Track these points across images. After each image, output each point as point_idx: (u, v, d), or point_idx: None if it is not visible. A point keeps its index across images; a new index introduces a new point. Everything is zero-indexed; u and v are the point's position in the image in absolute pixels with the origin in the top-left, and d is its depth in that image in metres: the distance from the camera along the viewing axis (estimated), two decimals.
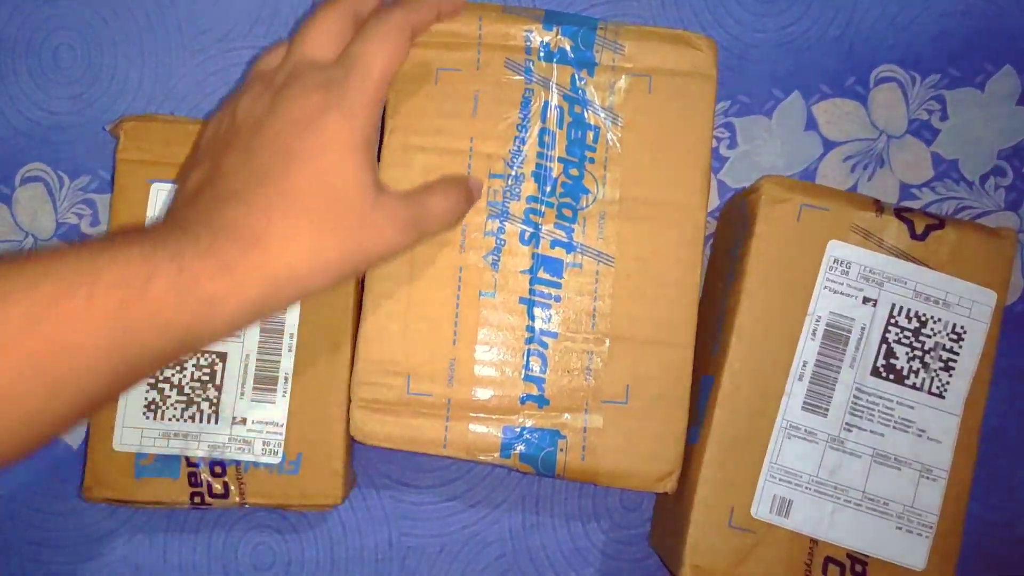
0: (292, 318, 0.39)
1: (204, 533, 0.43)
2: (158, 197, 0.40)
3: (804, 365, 0.37)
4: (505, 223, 0.38)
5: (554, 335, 0.38)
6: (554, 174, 0.38)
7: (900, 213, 0.37)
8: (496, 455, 0.37)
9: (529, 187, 0.38)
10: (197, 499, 0.39)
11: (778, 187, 0.37)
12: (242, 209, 0.29)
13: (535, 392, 0.37)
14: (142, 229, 0.28)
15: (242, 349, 0.39)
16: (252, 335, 0.39)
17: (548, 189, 0.38)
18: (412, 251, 0.37)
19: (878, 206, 0.37)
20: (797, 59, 0.44)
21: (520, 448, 0.37)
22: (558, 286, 0.38)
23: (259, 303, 0.28)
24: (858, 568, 0.36)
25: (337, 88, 0.30)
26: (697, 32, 0.44)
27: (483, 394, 0.37)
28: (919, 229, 0.37)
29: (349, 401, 0.38)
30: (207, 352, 0.39)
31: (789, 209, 0.37)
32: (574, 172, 0.38)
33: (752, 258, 0.37)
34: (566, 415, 0.37)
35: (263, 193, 0.29)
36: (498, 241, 0.38)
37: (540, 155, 0.38)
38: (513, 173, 0.38)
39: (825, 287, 0.37)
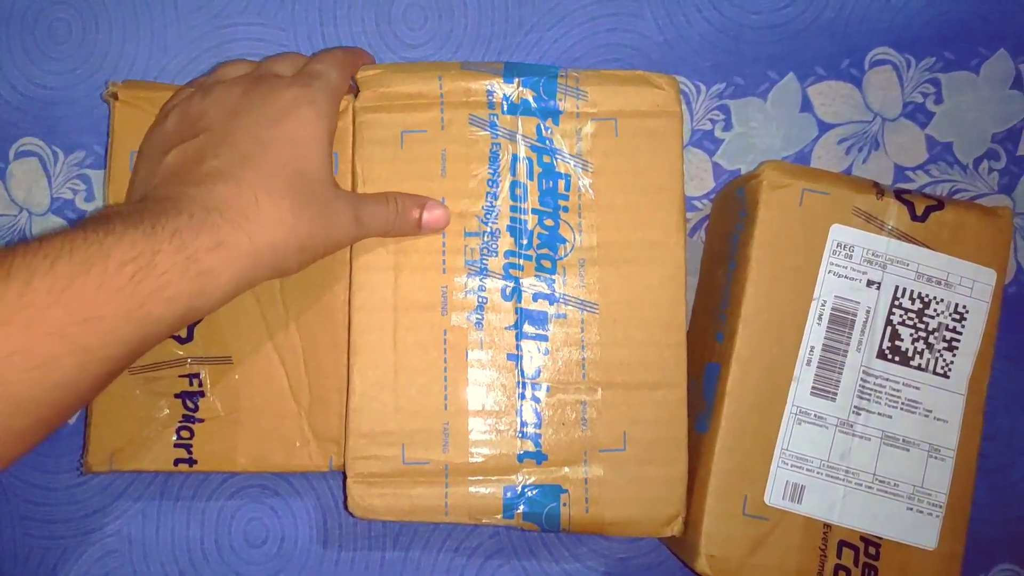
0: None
1: (197, 508, 0.42)
2: None
3: (811, 350, 0.37)
4: (485, 280, 0.37)
5: (546, 388, 0.37)
6: (529, 226, 0.38)
7: (900, 195, 0.37)
8: (499, 516, 0.36)
9: (506, 242, 0.38)
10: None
11: (779, 172, 0.37)
12: (231, 189, 0.31)
13: (532, 448, 0.37)
14: (135, 208, 0.30)
15: None
16: None
17: (525, 242, 0.38)
18: (394, 319, 0.37)
19: (878, 189, 0.37)
20: (792, 41, 0.44)
21: (522, 508, 0.36)
22: (545, 339, 0.37)
23: (246, 276, 0.31)
24: (871, 550, 0.36)
25: (307, 89, 0.34)
26: (692, 14, 0.44)
27: (480, 456, 0.37)
28: (919, 211, 0.37)
29: None
30: None
31: (791, 194, 0.37)
32: (549, 222, 0.38)
33: (756, 244, 0.37)
34: (566, 468, 0.37)
35: (248, 174, 0.31)
36: (480, 299, 0.37)
37: (514, 208, 0.38)
38: (488, 229, 0.37)
39: (829, 271, 0.37)
